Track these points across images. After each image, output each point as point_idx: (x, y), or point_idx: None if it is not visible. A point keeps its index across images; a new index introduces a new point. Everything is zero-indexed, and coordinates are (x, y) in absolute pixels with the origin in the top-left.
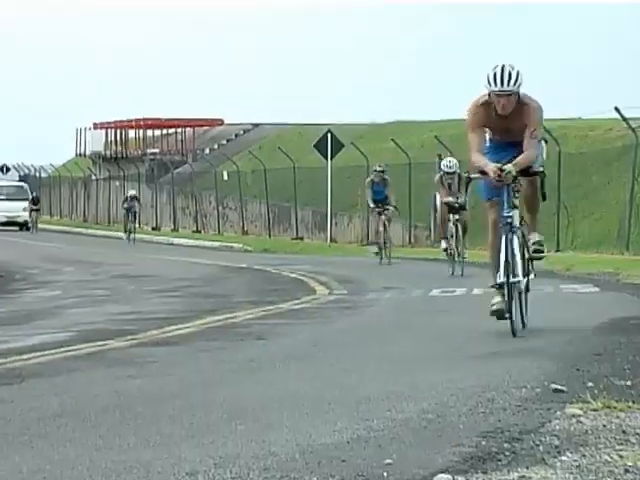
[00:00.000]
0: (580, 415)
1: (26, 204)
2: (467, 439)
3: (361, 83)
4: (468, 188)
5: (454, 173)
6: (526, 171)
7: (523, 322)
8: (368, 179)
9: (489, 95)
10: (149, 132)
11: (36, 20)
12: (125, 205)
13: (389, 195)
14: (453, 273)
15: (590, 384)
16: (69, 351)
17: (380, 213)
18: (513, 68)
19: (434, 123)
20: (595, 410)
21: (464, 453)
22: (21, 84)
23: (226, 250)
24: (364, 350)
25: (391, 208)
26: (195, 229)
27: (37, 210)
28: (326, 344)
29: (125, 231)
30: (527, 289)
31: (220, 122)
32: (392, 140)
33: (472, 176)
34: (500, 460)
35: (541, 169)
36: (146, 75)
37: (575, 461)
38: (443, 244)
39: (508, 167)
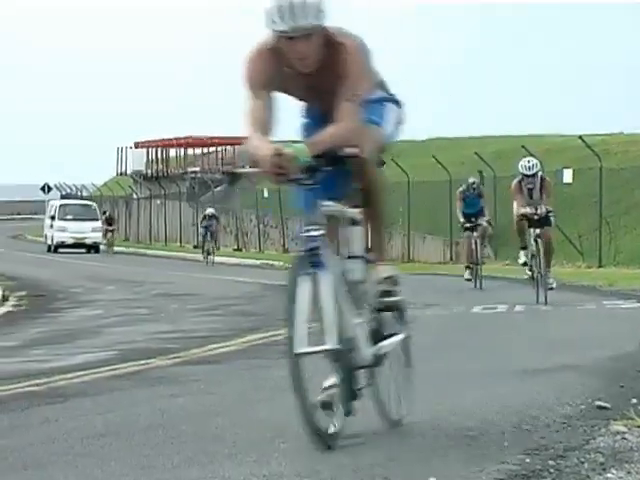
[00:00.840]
0: (625, 432)
1: (95, 224)
2: (511, 456)
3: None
4: (232, 189)
5: (534, 176)
6: (334, 156)
7: (389, 418)
8: (460, 189)
9: (278, 40)
10: (190, 150)
11: (76, 38)
12: (203, 224)
13: (484, 208)
14: (538, 300)
15: (634, 400)
16: (112, 370)
17: (472, 229)
18: None
19: (474, 139)
20: None
21: (508, 471)
22: (63, 105)
23: (267, 268)
24: None
25: (484, 223)
26: (236, 247)
27: (112, 231)
28: None
29: (203, 252)
30: (378, 362)
31: None
32: (433, 157)
33: (237, 170)
34: (545, 477)
35: (355, 151)
36: (185, 94)
37: (620, 478)
38: (522, 256)
39: (293, 148)
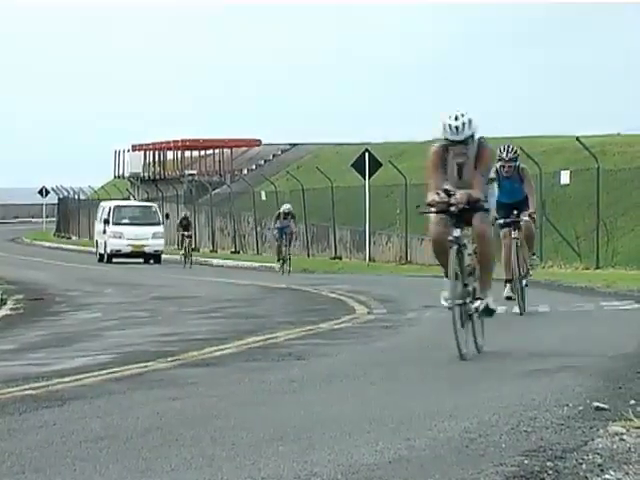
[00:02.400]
0: (623, 433)
1: (156, 229)
2: (509, 458)
3: (399, 101)
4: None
5: (466, 142)
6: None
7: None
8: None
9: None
10: (187, 153)
11: (73, 41)
12: (277, 224)
13: (529, 195)
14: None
15: (632, 402)
16: (110, 373)
17: (512, 226)
18: None
19: None
20: (638, 428)
21: (507, 472)
22: (62, 107)
23: (265, 270)
24: (405, 369)
25: (525, 218)
26: (234, 250)
27: (190, 237)
28: (367, 364)
29: (278, 259)
30: None
31: (258, 142)
32: None
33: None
34: (543, 479)
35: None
36: (184, 97)
37: (618, 479)
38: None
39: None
